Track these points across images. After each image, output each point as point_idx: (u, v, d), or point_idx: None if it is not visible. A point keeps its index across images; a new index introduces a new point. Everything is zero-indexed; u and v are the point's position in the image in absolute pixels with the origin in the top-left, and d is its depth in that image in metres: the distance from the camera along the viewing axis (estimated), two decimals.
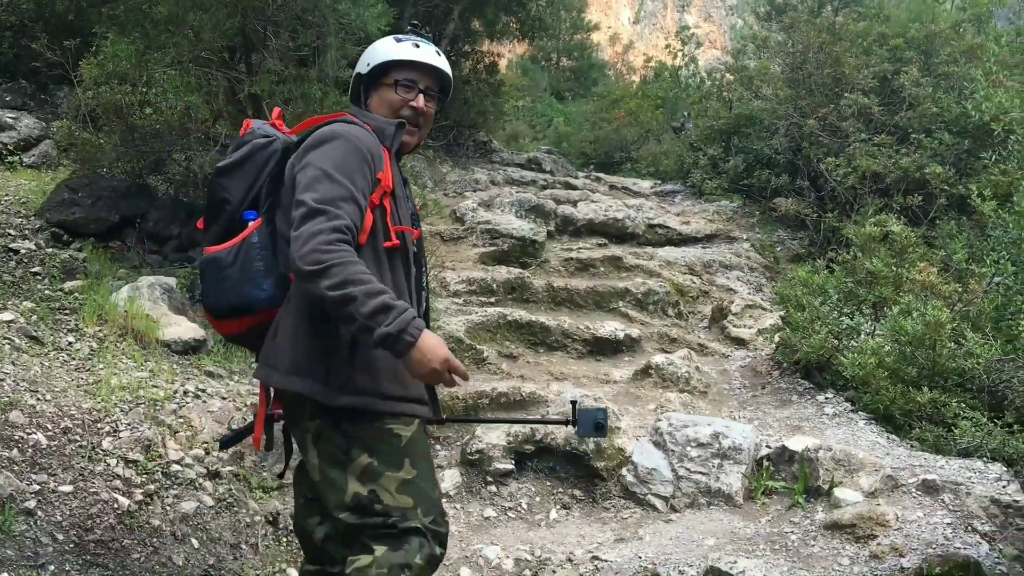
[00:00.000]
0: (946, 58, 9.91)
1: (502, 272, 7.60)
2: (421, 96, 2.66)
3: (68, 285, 5.38)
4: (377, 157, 2.49)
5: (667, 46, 22.36)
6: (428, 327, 2.53)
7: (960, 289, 6.29)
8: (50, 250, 5.84)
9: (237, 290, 2.48)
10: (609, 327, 7.01)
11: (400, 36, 2.72)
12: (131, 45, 5.70)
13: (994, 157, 8.01)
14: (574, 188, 11.74)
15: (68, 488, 3.52)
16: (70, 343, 4.73)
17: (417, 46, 2.65)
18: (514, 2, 14.08)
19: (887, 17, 11.25)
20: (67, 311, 5.09)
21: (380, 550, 2.36)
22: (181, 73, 6.05)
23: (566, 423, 2.93)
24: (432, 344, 2.26)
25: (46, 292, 5.26)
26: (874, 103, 9.64)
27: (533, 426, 5.09)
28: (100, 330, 4.94)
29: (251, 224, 2.52)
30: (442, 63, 2.69)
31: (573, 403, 3.02)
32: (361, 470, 2.39)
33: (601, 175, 14.58)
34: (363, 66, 2.69)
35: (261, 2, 5.82)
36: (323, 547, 2.63)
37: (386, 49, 2.66)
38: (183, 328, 5.10)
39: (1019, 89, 8.59)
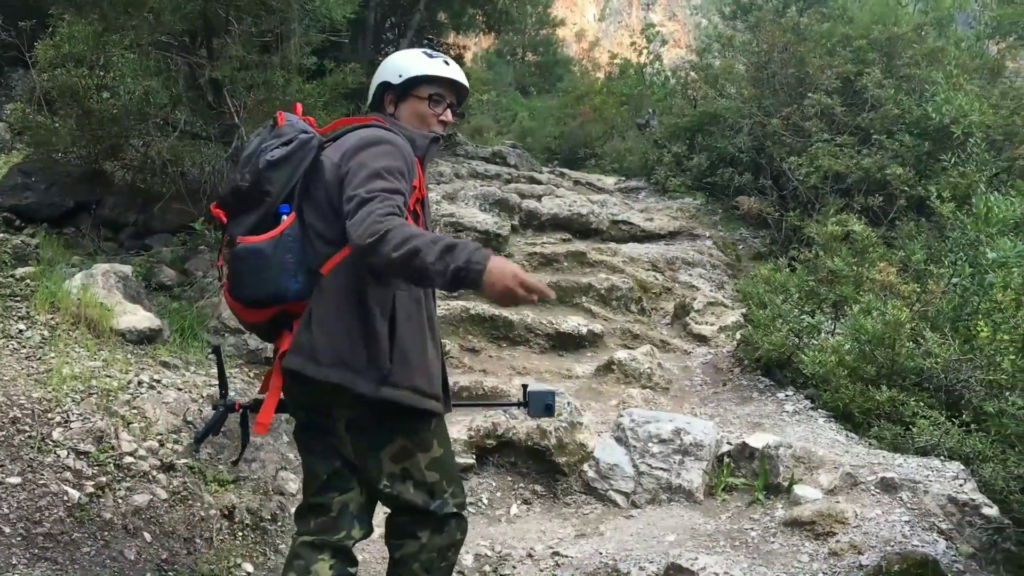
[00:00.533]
0: (908, 60, 10.01)
1: None
2: (448, 111, 2.88)
3: (20, 271, 5.23)
4: (413, 165, 2.65)
5: (632, 43, 22.42)
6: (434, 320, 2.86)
7: (919, 289, 6.35)
8: (1, 235, 5.69)
9: (275, 281, 2.57)
10: (572, 322, 6.99)
11: (429, 52, 2.92)
12: (88, 26, 5.55)
13: (953, 159, 8.13)
14: (539, 183, 11.71)
15: (16, 480, 3.42)
16: (20, 331, 4.60)
17: (447, 63, 2.87)
18: None
19: (851, 19, 11.35)
20: (18, 298, 4.94)
21: (425, 535, 2.74)
22: (140, 57, 5.90)
23: (518, 405, 3.19)
24: (501, 264, 2.29)
25: None
26: (837, 104, 9.72)
27: (495, 420, 5.05)
28: (52, 318, 4.81)
29: (286, 218, 2.60)
30: (465, 80, 2.93)
31: (524, 386, 3.21)
32: (396, 451, 2.65)
33: (565, 170, 14.57)
34: (394, 76, 2.84)
35: None
36: (339, 515, 2.74)
37: (420, 64, 2.84)
38: (138, 317, 4.98)
39: (978, 93, 8.74)
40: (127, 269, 5.43)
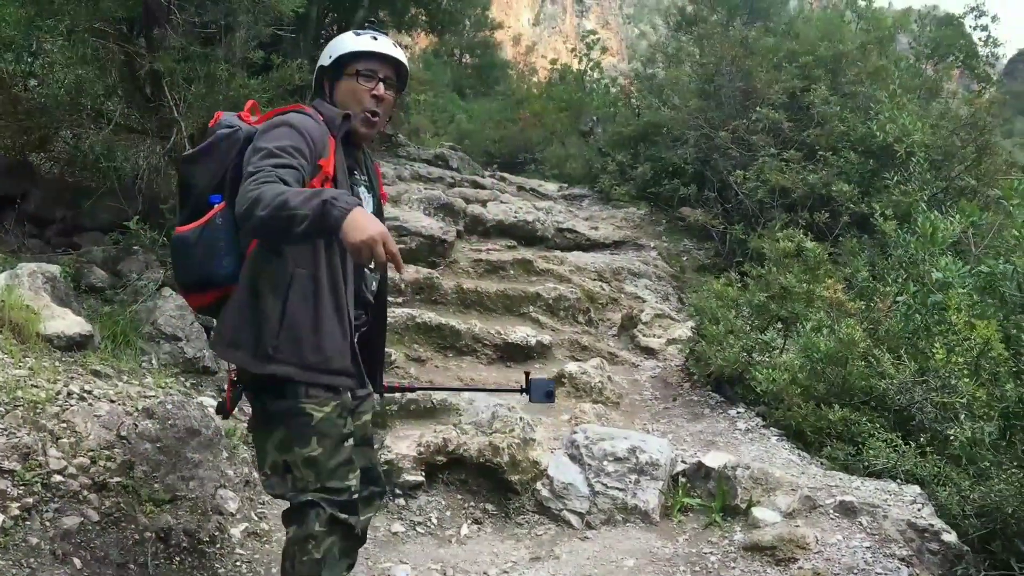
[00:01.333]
0: (853, 78, 10.14)
1: (410, 271, 7.34)
2: (381, 84, 2.88)
3: None
4: (320, 144, 2.68)
5: (573, 49, 22.41)
6: (384, 311, 3.14)
7: (863, 307, 6.37)
8: None
9: (200, 266, 2.71)
10: (521, 333, 6.84)
11: (359, 31, 2.94)
12: (19, 9, 5.17)
13: (896, 178, 8.23)
14: (483, 187, 11.53)
15: None
16: None
17: (375, 38, 2.89)
18: None
19: (797, 34, 11.46)
20: None
21: (291, 530, 2.76)
22: (74, 44, 5.54)
23: (520, 391, 3.34)
24: (368, 217, 2.30)
25: None
26: (783, 118, 9.77)
27: (445, 436, 4.88)
28: None
29: (216, 207, 2.71)
30: (399, 54, 2.94)
31: (526, 373, 3.37)
32: (279, 441, 2.71)
33: (506, 175, 14.43)
34: (326, 59, 2.91)
35: None
36: None
37: (346, 42, 2.89)
38: (68, 322, 4.64)
39: (920, 113, 8.87)
40: (55, 269, 5.08)
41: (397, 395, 5.31)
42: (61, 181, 6.16)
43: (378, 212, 3.02)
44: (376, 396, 3.31)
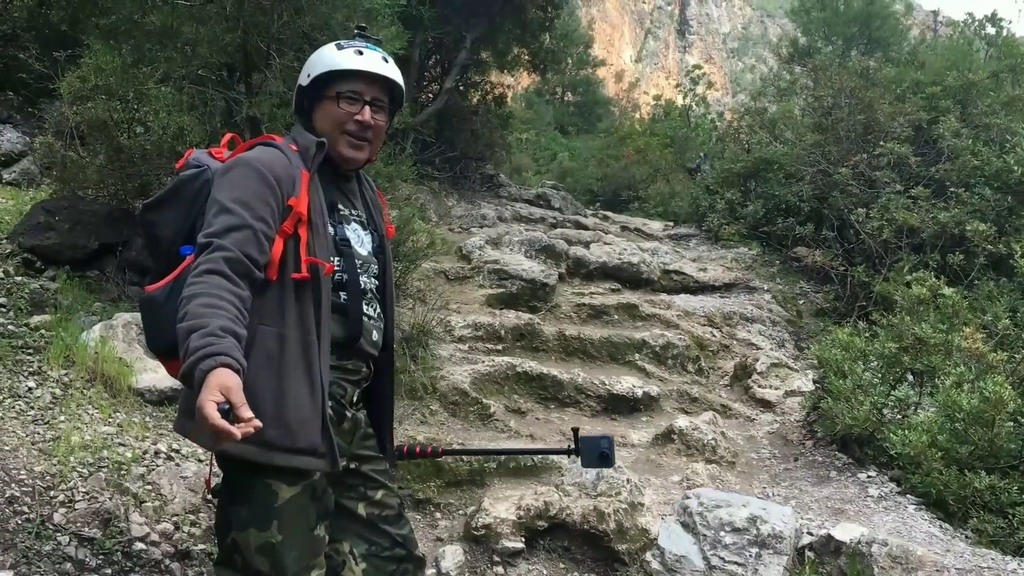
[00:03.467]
0: (985, 109, 9.45)
1: (511, 317, 7.06)
2: (367, 109, 2.45)
3: (35, 320, 4.81)
4: (287, 182, 2.29)
5: (677, 85, 22.07)
6: (391, 364, 2.67)
7: (1006, 357, 5.76)
8: (19, 279, 5.28)
9: (172, 330, 2.17)
10: (626, 383, 6.45)
11: (343, 42, 2.50)
12: (117, 58, 5.15)
13: None
14: (585, 228, 11.23)
15: (7, 574, 2.96)
16: (30, 389, 4.17)
17: (360, 53, 2.44)
18: (527, 34, 13.69)
19: (922, 64, 10.83)
20: (31, 350, 4.52)
21: None
22: (174, 91, 5.51)
23: (567, 453, 2.82)
24: (215, 380, 1.90)
25: (9, 327, 4.68)
26: (909, 152, 9.14)
27: (547, 499, 4.55)
28: (66, 374, 4.38)
29: (187, 259, 2.29)
30: (389, 71, 2.48)
31: (575, 430, 2.82)
32: (238, 519, 2.26)
33: (609, 213, 14.17)
34: (304, 77, 2.49)
35: (265, 18, 5.28)
36: None
37: (326, 59, 2.45)
38: (159, 375, 4.51)
39: None
40: None
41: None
42: None
43: (379, 250, 2.59)
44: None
